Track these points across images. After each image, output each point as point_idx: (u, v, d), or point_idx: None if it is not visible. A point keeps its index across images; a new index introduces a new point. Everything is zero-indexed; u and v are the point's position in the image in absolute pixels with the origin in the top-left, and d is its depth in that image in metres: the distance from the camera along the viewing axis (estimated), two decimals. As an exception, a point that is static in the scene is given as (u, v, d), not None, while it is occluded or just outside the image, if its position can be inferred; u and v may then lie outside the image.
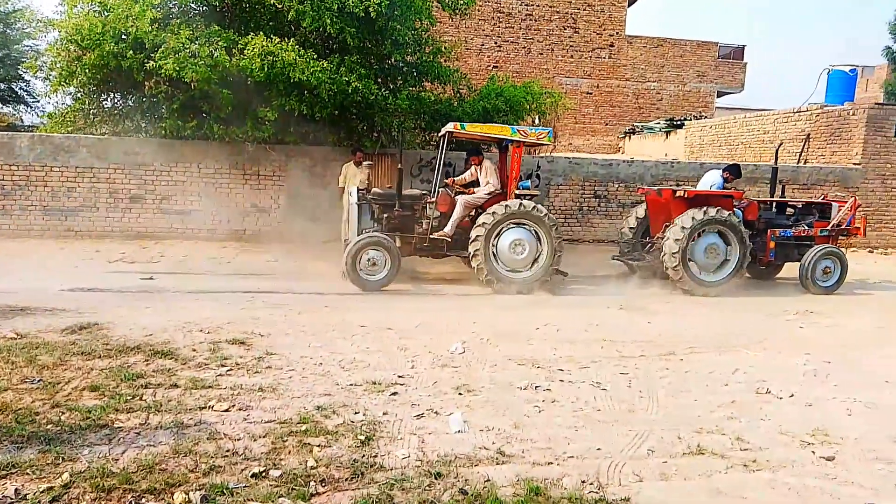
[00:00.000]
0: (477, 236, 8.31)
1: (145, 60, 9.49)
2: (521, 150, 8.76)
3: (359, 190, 8.83)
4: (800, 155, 14.57)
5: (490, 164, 8.99)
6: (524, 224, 8.50)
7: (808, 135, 14.73)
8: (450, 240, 8.63)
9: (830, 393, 4.95)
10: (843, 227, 9.70)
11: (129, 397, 4.18)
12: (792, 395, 4.83)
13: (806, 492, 3.41)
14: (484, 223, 8.32)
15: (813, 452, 3.87)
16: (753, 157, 16.06)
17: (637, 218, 9.93)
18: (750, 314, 7.81)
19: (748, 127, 16.86)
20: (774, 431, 4.17)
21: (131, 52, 9.62)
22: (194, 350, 5.27)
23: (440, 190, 8.78)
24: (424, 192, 9.10)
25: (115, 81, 10.70)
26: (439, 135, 9.00)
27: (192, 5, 10.74)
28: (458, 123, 8.64)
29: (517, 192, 8.71)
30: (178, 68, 9.14)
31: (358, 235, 8.44)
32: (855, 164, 13.89)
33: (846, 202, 9.89)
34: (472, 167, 9.15)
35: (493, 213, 8.35)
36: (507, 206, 8.39)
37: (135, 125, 11.54)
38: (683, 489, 3.38)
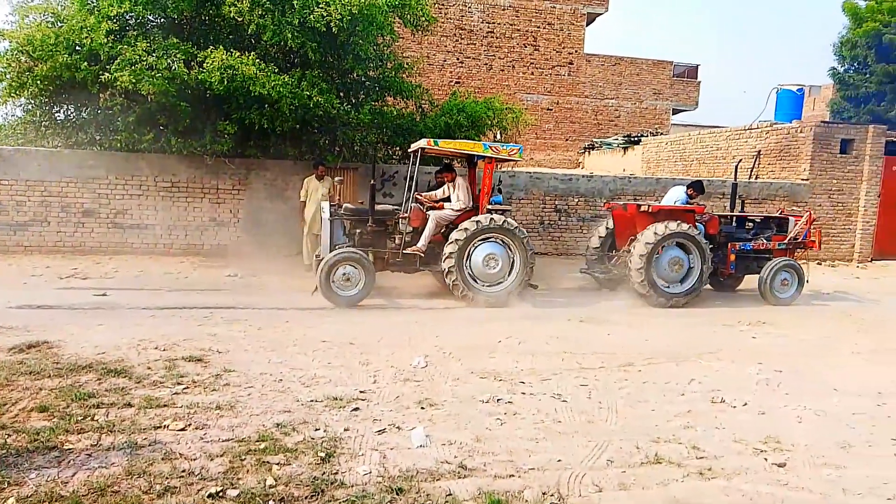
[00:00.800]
0: (451, 251, 8.36)
1: (100, 72, 9.30)
2: (493, 165, 8.88)
3: (331, 205, 8.79)
4: (751, 171, 15.05)
5: (462, 181, 9.07)
6: (497, 238, 8.59)
7: (759, 151, 15.25)
8: (422, 255, 8.65)
9: (782, 401, 5.10)
10: (799, 240, 10.06)
11: (80, 418, 4.05)
12: (745, 404, 4.96)
13: (759, 498, 3.50)
14: (458, 238, 8.37)
15: (765, 459, 3.98)
16: (707, 173, 16.54)
17: (603, 232, 10.12)
18: (706, 325, 7.99)
19: (702, 143, 17.37)
20: (729, 440, 4.27)
21: (85, 63, 9.42)
22: (149, 368, 5.14)
23: (412, 205, 8.81)
24: (396, 207, 9.12)
25: (69, 93, 10.45)
26: (411, 150, 9.05)
27: (150, 18, 10.56)
28: (432, 140, 8.71)
29: (489, 206, 8.81)
30: (134, 80, 8.99)
31: (330, 251, 8.40)
32: (803, 179, 14.42)
33: (802, 216, 10.26)
34: (446, 184, 9.22)
35: (467, 228, 8.41)
36: (480, 220, 8.47)
37: (88, 138, 11.26)
38: (642, 498, 3.43)
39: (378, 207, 8.86)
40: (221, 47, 9.38)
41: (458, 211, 8.84)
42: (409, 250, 8.62)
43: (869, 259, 14.75)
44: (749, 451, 4.11)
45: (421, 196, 9.11)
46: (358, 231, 8.73)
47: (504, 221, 8.55)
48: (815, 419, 4.74)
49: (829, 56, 33.63)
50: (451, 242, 8.39)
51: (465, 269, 8.46)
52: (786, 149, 14.80)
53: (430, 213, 8.78)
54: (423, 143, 8.65)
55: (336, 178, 9.44)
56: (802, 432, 4.46)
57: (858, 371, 6.11)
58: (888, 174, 14.59)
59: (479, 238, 8.50)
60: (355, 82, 11.76)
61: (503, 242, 8.60)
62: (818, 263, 14.13)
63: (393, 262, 8.75)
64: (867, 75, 20.60)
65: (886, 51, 19.80)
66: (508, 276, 8.65)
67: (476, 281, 8.54)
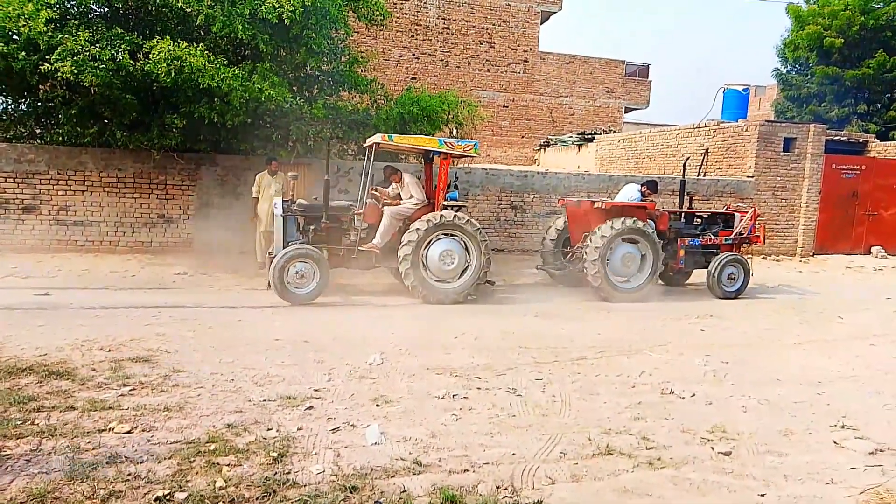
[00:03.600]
0: (407, 248, 8.31)
1: (40, 63, 8.91)
2: (448, 161, 8.87)
3: (284, 201, 8.63)
4: (699, 168, 15.46)
5: (410, 179, 9.02)
6: (453, 235, 8.58)
7: (707, 149, 15.67)
8: (378, 252, 8.58)
9: (728, 391, 5.26)
10: (744, 235, 10.40)
11: (19, 422, 3.89)
12: (693, 395, 5.10)
13: (705, 486, 3.60)
14: (414, 234, 8.33)
15: (712, 448, 4.09)
16: (658, 170, 16.92)
17: (558, 228, 10.26)
18: (656, 319, 8.17)
19: (653, 141, 17.75)
20: (677, 430, 4.38)
21: (23, 53, 9.00)
22: (93, 370, 4.97)
23: (368, 201, 8.73)
24: (351, 203, 9.03)
25: (6, 84, 9.99)
26: (365, 145, 8.97)
27: (93, 6, 10.15)
28: (386, 135, 8.64)
29: (445, 202, 8.79)
30: (76, 71, 8.63)
31: (284, 248, 8.25)
32: (748, 176, 14.89)
33: (747, 212, 10.61)
34: (394, 183, 9.18)
35: (423, 224, 8.37)
36: (436, 217, 8.44)
37: (28, 131, 10.80)
38: (593, 489, 3.49)
39: (332, 203, 8.76)
40: (168, 38, 9.11)
41: (413, 206, 8.80)
42: (364, 247, 8.55)
43: (811, 253, 15.35)
44: (696, 440, 4.22)
45: (377, 192, 9.05)
46: (312, 227, 8.61)
47: (460, 218, 8.56)
48: (758, 408, 4.91)
49: (773, 57, 34.87)
50: (408, 238, 8.36)
51: (421, 265, 8.43)
52: (732, 147, 15.26)
53: (385, 208, 8.72)
54: (377, 138, 8.58)
55: (290, 174, 9.29)
56: (747, 421, 4.61)
57: (799, 361, 6.35)
58: (828, 172, 15.20)
59: (436, 234, 8.49)
60: (309, 76, 11.58)
61: (459, 239, 8.61)
62: (763, 258, 14.62)
63: (348, 258, 8.66)
64: (809, 76, 21.39)
65: (827, 53, 20.59)
66: (465, 272, 8.66)
67: (432, 277, 8.52)
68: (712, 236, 10.27)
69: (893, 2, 20.17)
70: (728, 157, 15.34)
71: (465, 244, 8.63)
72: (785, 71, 22.74)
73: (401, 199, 9.04)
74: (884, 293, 10.85)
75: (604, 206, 9.36)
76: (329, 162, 9.12)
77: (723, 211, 11.02)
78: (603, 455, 3.91)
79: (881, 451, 4.16)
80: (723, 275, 9.83)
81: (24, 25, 8.80)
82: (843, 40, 20.13)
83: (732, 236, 10.30)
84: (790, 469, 3.85)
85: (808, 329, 7.87)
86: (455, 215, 8.55)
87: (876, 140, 16.58)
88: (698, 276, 10.52)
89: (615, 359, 6.08)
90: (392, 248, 8.59)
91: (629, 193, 10.10)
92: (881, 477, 3.80)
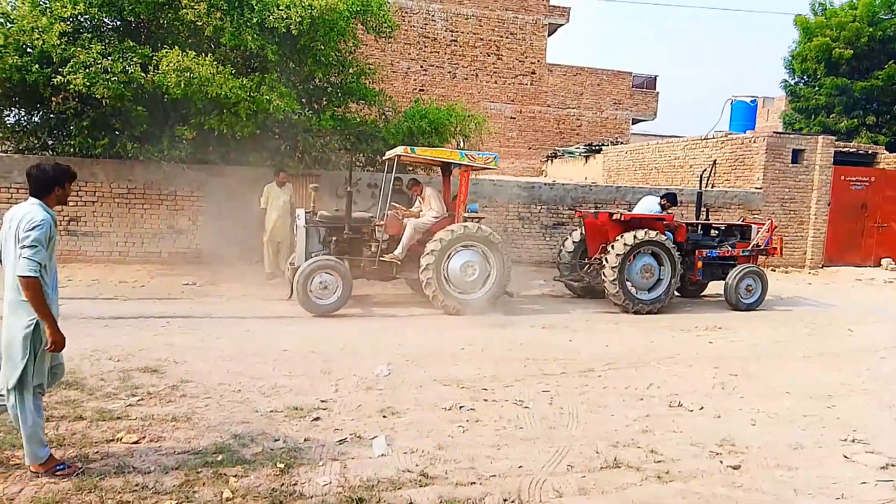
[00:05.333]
0: (428, 260, 8.33)
1: (53, 75, 9.03)
2: (469, 174, 8.91)
3: (306, 212, 8.70)
4: (707, 179, 15.42)
5: (432, 191, 9.07)
6: (474, 246, 8.60)
7: (715, 161, 15.64)
8: (399, 263, 8.62)
9: (736, 405, 5.22)
10: (762, 247, 10.37)
11: (27, 432, 3.90)
12: (702, 408, 5.07)
13: (715, 500, 3.57)
14: (435, 247, 8.35)
15: (721, 462, 4.06)
16: (665, 181, 16.89)
17: (575, 240, 10.27)
18: (665, 331, 8.14)
19: (660, 153, 17.73)
20: (686, 443, 4.35)
21: (37, 65, 9.13)
22: (102, 379, 5.00)
23: (388, 213, 8.78)
24: (373, 215, 9.10)
25: (19, 96, 10.12)
26: (386, 157, 9.05)
27: (105, 20, 10.30)
28: (409, 147, 8.69)
29: (465, 214, 8.83)
30: (88, 84, 8.75)
31: (306, 259, 8.30)
32: (757, 188, 14.84)
33: (764, 224, 10.58)
34: (416, 197, 9.22)
35: (444, 236, 8.40)
36: (458, 228, 8.46)
37: (40, 143, 10.92)
38: (601, 503, 3.47)
39: (354, 215, 8.82)
40: (177, 48, 9.20)
41: (434, 218, 8.84)
42: (386, 258, 8.60)
43: (820, 265, 15.24)
44: (705, 454, 4.19)
45: (396, 206, 9.12)
46: (334, 239, 8.67)
47: (481, 230, 8.57)
48: (768, 421, 4.87)
49: (781, 68, 34.81)
50: (429, 251, 8.37)
51: (442, 276, 8.45)
52: (740, 158, 15.22)
53: (408, 220, 8.78)
54: (399, 150, 8.64)
55: (311, 185, 9.35)
56: (756, 434, 4.57)
57: (809, 374, 6.30)
58: (837, 183, 15.13)
59: (457, 246, 8.51)
60: (317, 88, 11.67)
61: (481, 251, 8.62)
62: (772, 269, 14.54)
63: (369, 269, 8.71)
64: (817, 88, 21.33)
65: (835, 65, 20.55)
66: (485, 283, 8.66)
67: (453, 289, 8.52)
68: (729, 248, 10.26)
69: (901, 13, 20.14)
70: (736, 169, 15.31)
71: (487, 256, 8.63)
72: (793, 82, 22.69)
73: (421, 212, 9.10)
74: (894, 305, 10.76)
75: (622, 218, 9.37)
76: (352, 174, 9.16)
77: (740, 223, 11.00)
78: (611, 468, 3.89)
79: (892, 465, 4.11)
80: (741, 286, 9.79)
81: (37, 38, 8.94)
82: (851, 52, 20.08)
83: (750, 248, 10.28)
84: (800, 483, 3.81)
85: (817, 342, 7.81)
86: (478, 227, 8.57)
87: (885, 152, 16.49)
88: (714, 287, 10.48)
89: (623, 371, 6.06)
90: (412, 259, 8.62)
91: (648, 205, 10.09)
92: (892, 492, 3.75)
